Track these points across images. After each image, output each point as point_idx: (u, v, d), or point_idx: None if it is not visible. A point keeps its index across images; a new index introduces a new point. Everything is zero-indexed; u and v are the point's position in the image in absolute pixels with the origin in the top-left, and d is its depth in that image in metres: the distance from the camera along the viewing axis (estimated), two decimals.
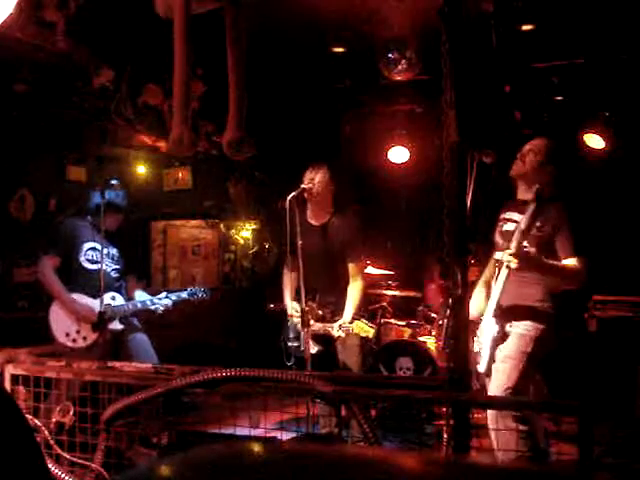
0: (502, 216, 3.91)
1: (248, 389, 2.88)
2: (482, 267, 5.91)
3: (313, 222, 4.67)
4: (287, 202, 4.31)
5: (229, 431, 3.27)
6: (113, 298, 4.57)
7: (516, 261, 3.55)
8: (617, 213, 6.20)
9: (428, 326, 6.26)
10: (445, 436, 2.93)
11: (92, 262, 4.57)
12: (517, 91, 5.95)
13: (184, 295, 4.85)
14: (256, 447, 0.85)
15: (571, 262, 3.61)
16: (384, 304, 6.46)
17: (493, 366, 3.66)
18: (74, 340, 4.45)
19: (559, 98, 6.21)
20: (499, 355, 3.65)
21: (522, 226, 3.65)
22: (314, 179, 4.51)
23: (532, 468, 0.82)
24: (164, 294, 4.78)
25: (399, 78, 5.53)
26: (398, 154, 6.96)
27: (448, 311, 2.70)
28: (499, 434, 3.32)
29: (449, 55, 2.61)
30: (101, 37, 4.63)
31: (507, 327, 3.70)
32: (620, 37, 5.08)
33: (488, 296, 3.79)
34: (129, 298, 4.76)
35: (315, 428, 4.27)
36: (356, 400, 2.73)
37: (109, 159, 6.34)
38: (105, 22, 4.50)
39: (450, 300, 2.65)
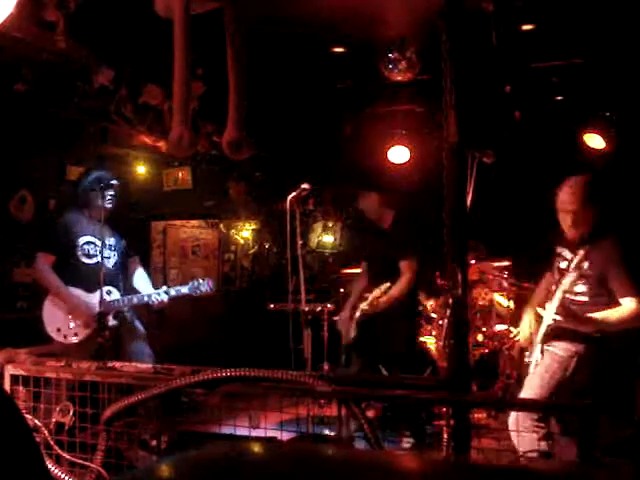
0: (556, 250, 3.85)
1: (248, 389, 2.88)
2: (482, 267, 5.94)
3: (378, 225, 5.17)
4: (287, 202, 4.32)
5: (229, 431, 3.27)
6: (109, 292, 4.50)
7: (560, 318, 3.58)
8: (617, 213, 6.19)
9: (428, 326, 6.26)
10: (445, 436, 2.93)
11: (89, 256, 4.54)
12: (517, 91, 5.95)
13: (184, 290, 4.69)
14: (256, 447, 0.85)
15: (626, 303, 3.50)
16: None
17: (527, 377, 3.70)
18: (65, 336, 4.42)
19: (559, 98, 6.21)
20: (536, 368, 3.67)
21: (566, 286, 3.63)
22: (364, 206, 5.11)
23: (532, 468, 0.82)
24: (163, 289, 4.67)
25: (399, 78, 5.53)
26: (398, 154, 6.96)
27: (448, 311, 2.70)
28: (520, 436, 3.34)
29: (449, 55, 2.61)
30: (101, 37, 4.62)
31: (545, 346, 3.68)
32: (620, 37, 5.08)
33: (537, 320, 3.78)
34: (128, 284, 4.71)
35: (315, 428, 4.27)
36: (356, 400, 2.73)
37: (109, 159, 6.34)
38: (105, 22, 4.50)
39: (450, 300, 2.64)
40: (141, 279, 4.78)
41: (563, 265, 3.76)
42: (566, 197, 3.72)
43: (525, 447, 3.32)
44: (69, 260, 4.52)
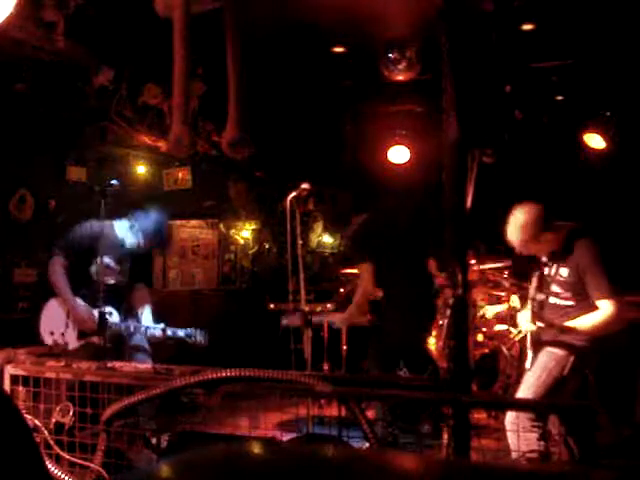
0: (541, 258, 3.89)
1: (248, 389, 2.88)
2: (482, 267, 5.93)
3: None
4: (287, 202, 4.33)
5: (229, 431, 3.27)
6: (110, 314, 4.46)
7: (534, 327, 3.65)
8: (617, 213, 6.20)
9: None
10: (445, 436, 2.92)
11: (99, 274, 4.51)
12: (517, 91, 5.94)
13: (180, 334, 4.63)
14: (256, 447, 0.85)
15: (602, 306, 3.53)
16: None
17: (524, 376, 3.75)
18: (55, 341, 4.40)
19: (559, 98, 6.21)
20: (533, 367, 3.70)
21: (532, 294, 3.76)
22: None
23: (532, 468, 0.82)
24: (161, 325, 4.62)
25: (399, 78, 5.52)
26: (398, 154, 6.95)
27: (448, 311, 2.70)
28: (516, 436, 3.35)
29: (449, 55, 2.61)
30: (101, 37, 4.62)
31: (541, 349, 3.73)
32: (620, 37, 5.07)
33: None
34: (132, 308, 4.67)
35: (315, 428, 4.27)
36: (356, 400, 2.73)
37: (109, 159, 6.34)
38: (105, 22, 4.50)
39: (450, 300, 2.64)
40: (146, 317, 4.71)
41: (546, 271, 3.80)
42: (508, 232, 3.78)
43: (522, 447, 3.32)
44: (81, 272, 4.50)
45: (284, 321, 5.35)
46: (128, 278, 4.73)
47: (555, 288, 3.71)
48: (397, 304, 4.87)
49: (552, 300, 3.73)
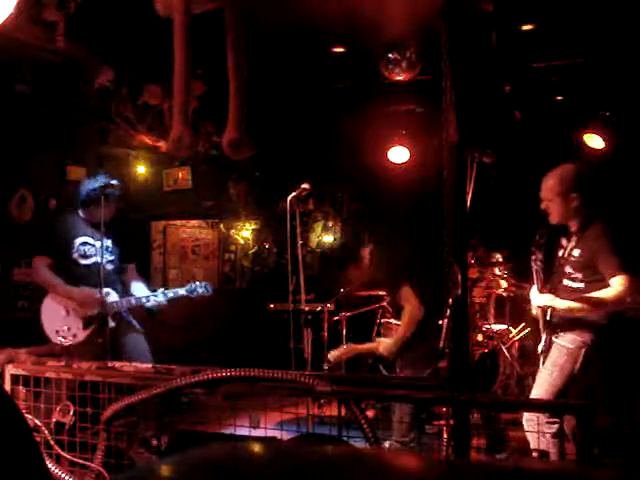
0: (560, 238, 3.91)
1: (248, 389, 2.88)
2: (482, 267, 5.93)
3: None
4: (287, 202, 4.33)
5: (229, 431, 3.27)
6: (107, 294, 4.43)
7: (544, 305, 3.67)
8: (617, 213, 6.19)
9: None
10: (445, 436, 2.93)
11: (85, 257, 4.50)
12: (517, 91, 5.95)
13: (182, 292, 4.64)
14: (256, 447, 0.85)
15: (614, 283, 3.53)
16: (384, 304, 6.45)
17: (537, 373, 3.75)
18: (64, 337, 4.40)
19: (559, 98, 6.21)
20: (545, 363, 3.70)
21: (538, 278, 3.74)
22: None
23: (532, 468, 0.82)
24: (160, 290, 4.63)
25: (399, 78, 5.53)
26: (398, 154, 6.96)
27: (448, 311, 2.70)
28: (535, 436, 3.36)
29: (449, 55, 2.61)
30: (101, 37, 4.62)
31: (553, 338, 3.70)
32: (620, 37, 5.08)
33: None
34: (126, 289, 4.65)
35: (315, 428, 4.27)
36: (356, 400, 2.73)
37: (109, 159, 6.35)
38: (105, 22, 4.50)
39: (450, 300, 2.64)
40: (139, 290, 4.68)
41: (560, 253, 3.82)
42: (542, 185, 3.79)
43: (540, 446, 3.32)
44: (65, 262, 4.48)
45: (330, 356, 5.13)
46: (120, 258, 4.67)
47: (568, 269, 3.72)
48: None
49: (564, 282, 3.73)
